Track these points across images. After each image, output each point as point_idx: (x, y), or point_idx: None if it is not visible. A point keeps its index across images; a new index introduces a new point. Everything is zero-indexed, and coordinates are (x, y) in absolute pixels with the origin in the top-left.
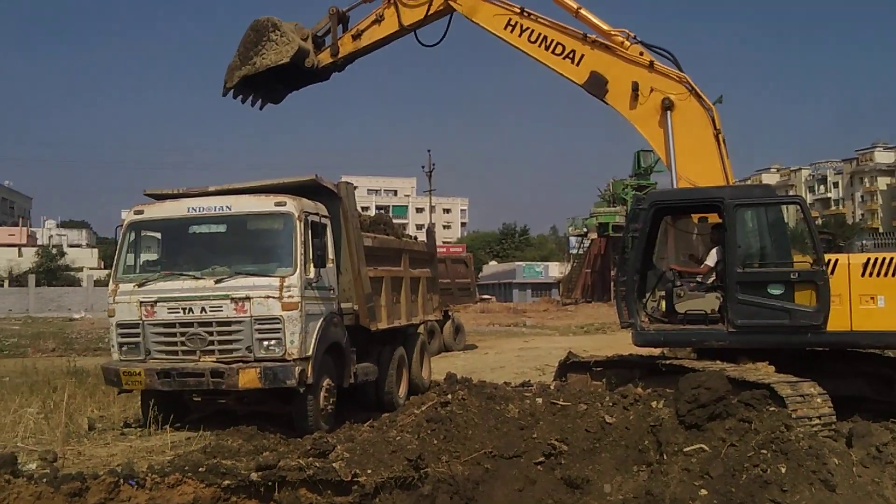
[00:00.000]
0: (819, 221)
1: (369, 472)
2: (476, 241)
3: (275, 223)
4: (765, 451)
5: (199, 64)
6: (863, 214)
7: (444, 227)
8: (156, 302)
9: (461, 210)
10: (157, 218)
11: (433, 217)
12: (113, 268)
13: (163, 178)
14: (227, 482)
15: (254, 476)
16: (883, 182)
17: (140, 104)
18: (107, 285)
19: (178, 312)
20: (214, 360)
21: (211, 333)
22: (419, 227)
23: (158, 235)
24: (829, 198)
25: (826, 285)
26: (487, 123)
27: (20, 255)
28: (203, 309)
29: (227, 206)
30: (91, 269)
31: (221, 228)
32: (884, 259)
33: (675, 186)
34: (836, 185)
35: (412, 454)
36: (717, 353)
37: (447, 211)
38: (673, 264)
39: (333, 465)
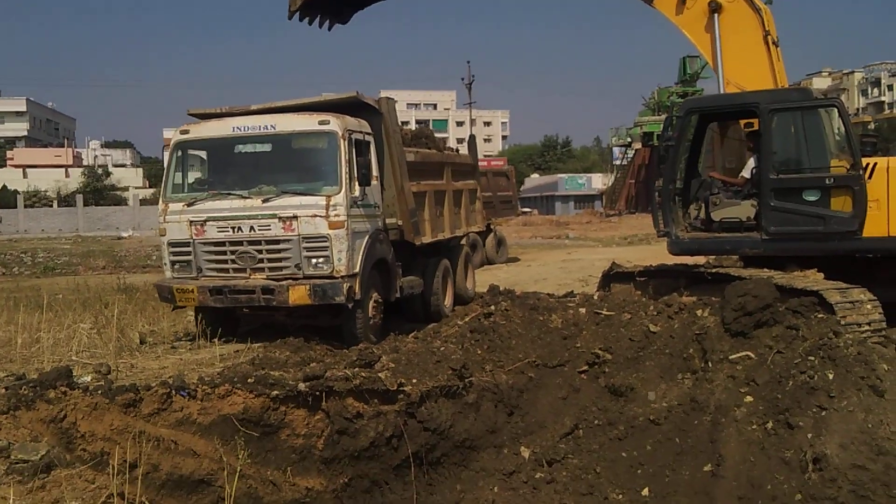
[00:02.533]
0: (871, 126)
1: (414, 381)
2: (517, 153)
3: (319, 142)
4: (812, 358)
5: None
6: None
7: (485, 140)
8: (205, 221)
9: (502, 123)
10: (202, 137)
11: (473, 130)
12: (162, 187)
13: (203, 97)
14: (275, 392)
15: (301, 386)
16: None
17: (177, 21)
18: (152, 204)
19: (228, 231)
20: (265, 277)
21: (260, 252)
22: (459, 140)
23: (204, 155)
24: (883, 101)
25: (862, 190)
26: (528, 33)
27: (67, 175)
28: (252, 228)
29: (272, 125)
30: (136, 188)
31: (266, 147)
32: None
33: (722, 92)
34: (890, 87)
35: (456, 364)
36: (764, 262)
37: (488, 124)
38: (712, 172)
39: (379, 374)
